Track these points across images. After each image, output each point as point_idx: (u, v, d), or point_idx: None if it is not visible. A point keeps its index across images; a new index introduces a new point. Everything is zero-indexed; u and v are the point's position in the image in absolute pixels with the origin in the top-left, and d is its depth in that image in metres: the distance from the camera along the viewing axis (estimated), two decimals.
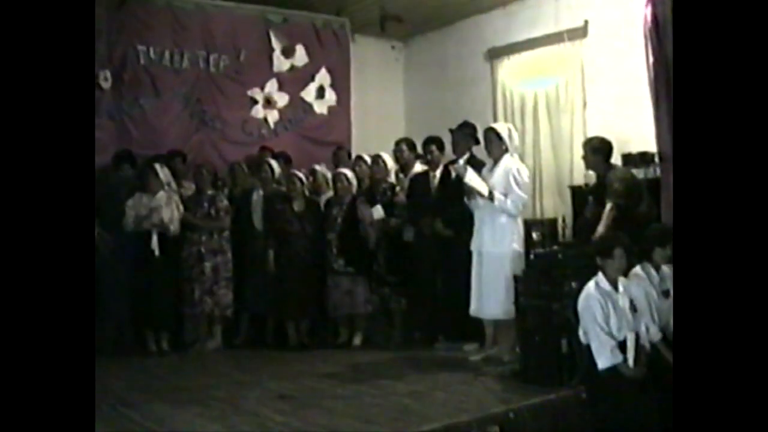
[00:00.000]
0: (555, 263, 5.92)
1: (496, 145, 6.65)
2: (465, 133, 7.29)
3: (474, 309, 6.62)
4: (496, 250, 6.47)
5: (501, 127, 6.88)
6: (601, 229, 6.18)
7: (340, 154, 8.84)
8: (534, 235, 6.78)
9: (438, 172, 7.43)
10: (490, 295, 6.43)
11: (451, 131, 7.45)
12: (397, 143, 8.04)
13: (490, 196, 6.46)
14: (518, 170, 6.60)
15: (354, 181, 7.86)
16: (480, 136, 7.02)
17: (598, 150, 6.57)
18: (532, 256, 6.17)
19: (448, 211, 7.05)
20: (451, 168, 7.03)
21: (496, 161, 6.64)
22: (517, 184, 6.53)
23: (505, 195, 6.49)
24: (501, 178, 6.54)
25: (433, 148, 7.49)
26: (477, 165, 6.85)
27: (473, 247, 6.64)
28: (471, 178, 6.54)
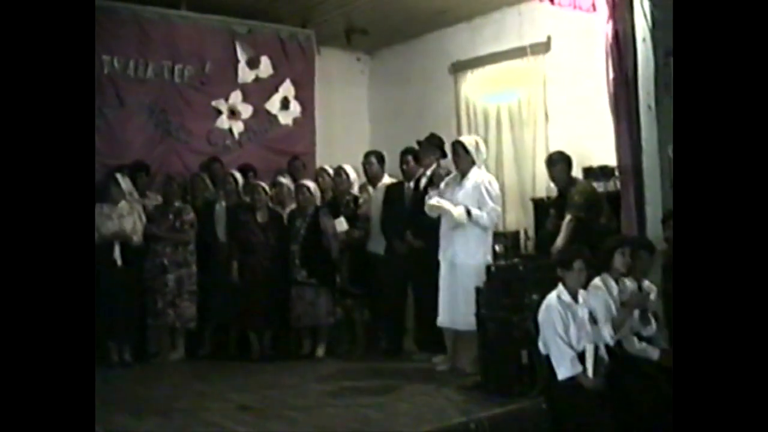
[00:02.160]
0: (516, 275, 5.99)
1: (464, 158, 6.69)
2: (432, 144, 7.35)
3: (445, 320, 6.62)
4: (471, 261, 6.48)
5: (468, 140, 6.90)
6: (560, 240, 6.29)
7: (295, 164, 8.87)
8: (497, 248, 6.82)
9: (412, 184, 7.49)
10: (461, 305, 6.44)
11: (419, 143, 7.49)
12: (366, 155, 8.12)
13: (468, 214, 6.48)
14: (490, 183, 6.67)
15: (317, 193, 7.90)
16: (447, 148, 7.09)
17: (559, 160, 6.80)
18: (492, 269, 6.22)
19: (419, 221, 7.07)
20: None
21: (463, 174, 6.66)
22: (491, 197, 6.58)
23: (479, 208, 6.54)
24: (472, 191, 6.57)
25: (409, 158, 7.56)
26: (439, 176, 6.92)
27: (444, 257, 6.64)
28: (440, 202, 6.57)
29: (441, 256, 6.67)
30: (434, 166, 7.28)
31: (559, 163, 6.83)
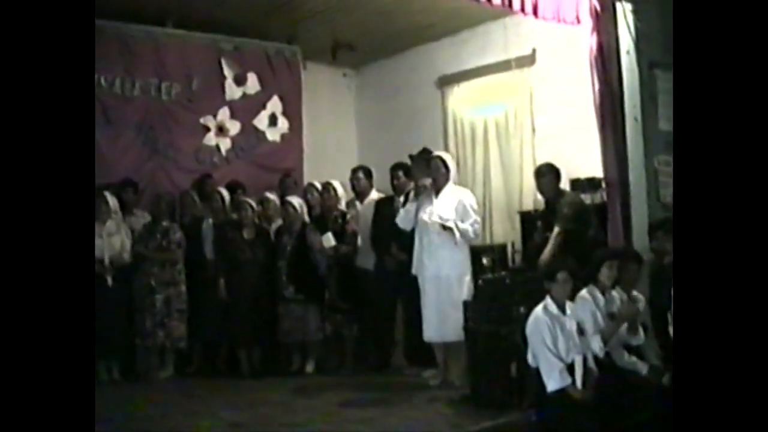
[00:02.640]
0: (503, 288, 6.03)
1: (443, 174, 6.79)
2: (424, 159, 7.36)
3: (433, 334, 6.66)
4: (457, 273, 6.57)
5: (447, 156, 7.05)
6: (547, 253, 6.31)
7: (286, 182, 8.84)
8: (484, 261, 6.87)
9: (402, 198, 7.52)
10: (449, 318, 6.48)
11: (411, 157, 7.55)
12: (354, 171, 8.18)
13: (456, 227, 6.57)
14: (469, 197, 6.82)
15: (303, 209, 7.91)
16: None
17: (547, 172, 6.84)
18: (480, 282, 6.24)
19: (404, 235, 7.09)
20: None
21: (439, 190, 6.75)
22: (473, 210, 6.71)
23: (460, 221, 6.62)
24: (452, 205, 6.67)
25: (400, 173, 7.63)
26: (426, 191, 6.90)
27: (425, 272, 6.69)
28: (442, 220, 6.65)
29: (420, 272, 6.74)
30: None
31: (547, 174, 6.85)
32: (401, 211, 6.90)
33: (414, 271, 6.77)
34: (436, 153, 7.17)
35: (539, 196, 7.24)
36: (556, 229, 6.45)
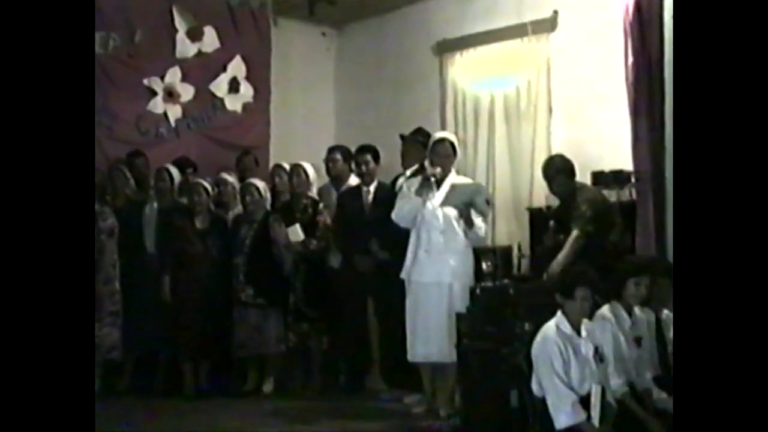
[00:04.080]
0: (505, 299, 5.98)
1: (450, 159, 6.80)
2: (418, 141, 7.45)
3: (419, 353, 6.66)
4: (462, 281, 6.56)
5: (455, 139, 7.03)
6: (561, 258, 6.25)
7: (248, 161, 8.83)
8: (484, 266, 6.78)
9: (372, 187, 7.62)
10: (444, 334, 6.48)
11: (402, 138, 7.60)
12: (330, 151, 8.23)
13: (469, 223, 6.61)
14: (478, 188, 6.96)
15: (267, 195, 7.91)
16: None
17: (561, 170, 6.70)
18: (477, 291, 6.20)
19: (383, 232, 7.18)
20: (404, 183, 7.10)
21: (442, 179, 6.74)
22: (485, 204, 6.78)
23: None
24: (458, 198, 6.67)
25: (368, 158, 7.67)
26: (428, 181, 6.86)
27: (420, 278, 6.69)
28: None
29: (414, 277, 6.73)
30: (415, 166, 7.41)
31: (559, 175, 6.73)
32: (398, 204, 6.84)
33: (404, 274, 6.76)
34: (442, 134, 7.17)
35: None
36: (575, 232, 6.39)
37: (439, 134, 7.16)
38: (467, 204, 6.62)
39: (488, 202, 6.84)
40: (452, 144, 6.84)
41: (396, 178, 7.65)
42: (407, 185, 6.92)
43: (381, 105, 9.76)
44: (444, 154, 6.78)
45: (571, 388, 5.00)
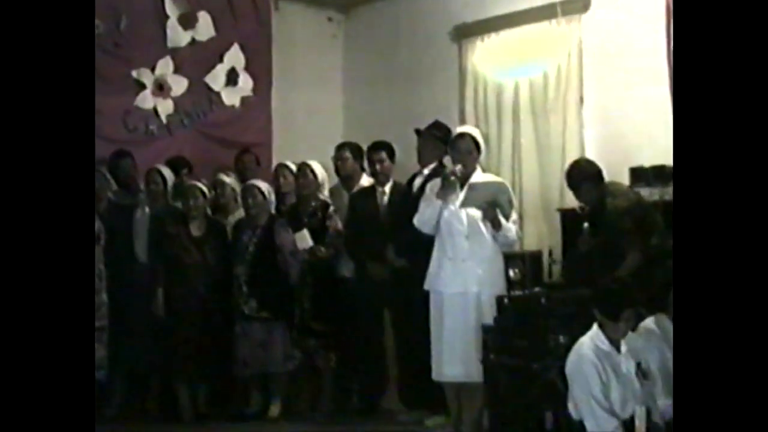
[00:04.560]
0: (536, 310, 6.03)
1: (473, 156, 6.84)
2: (435, 136, 7.47)
3: (449, 371, 6.64)
4: (488, 290, 6.58)
5: (478, 134, 7.06)
6: (625, 270, 6.22)
7: (246, 160, 8.88)
8: (511, 273, 6.85)
9: (387, 188, 7.69)
10: (472, 350, 6.49)
11: (418, 133, 7.61)
12: (339, 148, 8.25)
13: (496, 224, 6.65)
14: (504, 188, 6.94)
15: (271, 197, 7.93)
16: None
17: (587, 177, 6.73)
18: (506, 300, 6.26)
19: (400, 236, 7.24)
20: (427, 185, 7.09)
21: (466, 178, 6.77)
22: (511, 205, 6.82)
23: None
24: (483, 198, 6.71)
25: (383, 155, 7.74)
26: (450, 180, 6.85)
27: (452, 288, 6.68)
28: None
29: (438, 287, 6.74)
30: (433, 164, 7.40)
31: (585, 182, 6.74)
32: (421, 207, 6.86)
33: (428, 285, 6.79)
34: (463, 129, 7.21)
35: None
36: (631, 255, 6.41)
37: (460, 129, 7.19)
38: (491, 204, 6.64)
39: (511, 203, 6.81)
40: (474, 139, 6.86)
41: (413, 178, 7.62)
42: (430, 187, 6.91)
43: (394, 97, 9.74)
44: (465, 150, 6.79)
45: (612, 413, 5.01)
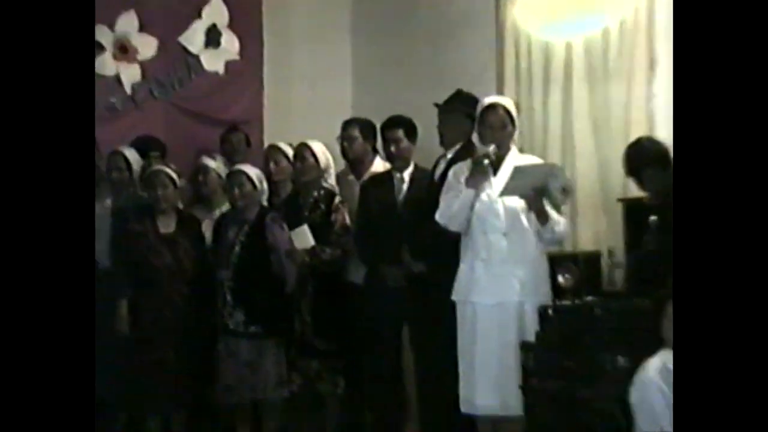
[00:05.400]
0: (589, 324, 6.05)
1: (507, 132, 6.83)
2: (459, 110, 7.51)
3: (483, 402, 6.65)
4: (531, 300, 6.61)
5: (510, 103, 7.07)
6: None
7: (234, 140, 8.95)
8: (560, 279, 6.85)
9: (407, 174, 7.71)
10: (512, 375, 6.49)
11: (438, 106, 7.66)
12: (346, 126, 8.30)
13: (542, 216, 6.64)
14: (552, 171, 6.84)
15: (263, 186, 7.95)
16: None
17: (652, 160, 6.62)
18: (550, 312, 6.27)
19: (421, 234, 7.25)
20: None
21: (500, 160, 6.77)
22: (564, 191, 6.76)
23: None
24: (524, 183, 6.62)
25: (400, 134, 7.75)
26: (480, 163, 6.81)
27: (486, 297, 6.70)
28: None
29: (469, 297, 6.75)
30: (458, 145, 7.44)
31: (648, 168, 6.63)
32: (444, 200, 6.84)
33: (457, 294, 6.79)
34: (492, 99, 7.14)
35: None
36: None
37: (488, 99, 7.08)
38: (538, 191, 6.58)
39: (565, 191, 6.73)
40: (508, 111, 6.85)
41: (438, 162, 7.59)
42: (453, 173, 6.90)
43: (415, 62, 9.68)
44: (498, 124, 6.78)
45: None
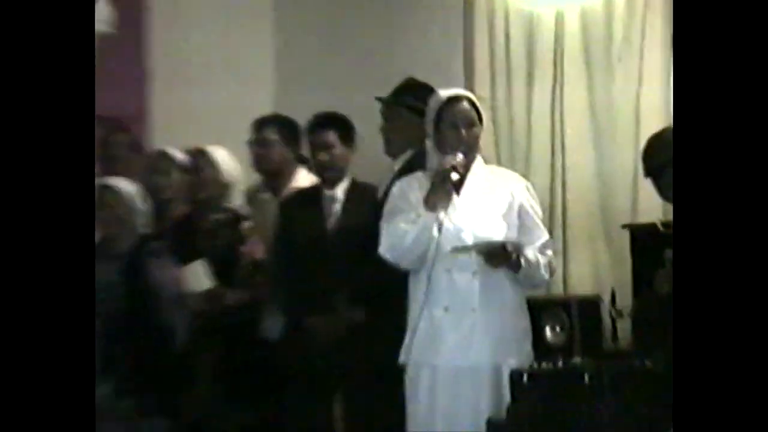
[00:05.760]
0: (577, 394, 5.88)
1: (474, 133, 6.68)
2: (409, 104, 7.52)
3: None
4: (511, 361, 6.45)
5: (474, 97, 7.00)
6: None
7: (116, 143, 8.78)
8: (548, 332, 7.06)
9: (341, 191, 7.74)
10: None
11: (381, 101, 7.76)
12: (259, 126, 8.32)
13: (516, 259, 6.49)
14: (522, 188, 6.82)
15: (142, 207, 7.76)
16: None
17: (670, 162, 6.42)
18: (525, 378, 6.05)
19: (359, 273, 7.27)
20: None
21: (464, 174, 6.60)
22: (538, 216, 6.77)
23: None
24: (494, 208, 6.64)
25: (331, 137, 7.72)
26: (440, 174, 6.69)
27: (446, 358, 6.60)
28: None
29: (422, 358, 6.61)
30: (409, 153, 7.51)
31: (669, 166, 6.46)
32: (388, 229, 6.65)
33: (406, 355, 6.64)
34: (454, 91, 6.92)
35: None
36: None
37: (446, 92, 6.85)
38: (506, 219, 6.62)
39: (537, 213, 6.70)
40: (474, 105, 6.66)
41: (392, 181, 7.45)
42: (400, 190, 6.74)
43: (357, 49, 9.75)
44: (465, 122, 6.58)
45: None
